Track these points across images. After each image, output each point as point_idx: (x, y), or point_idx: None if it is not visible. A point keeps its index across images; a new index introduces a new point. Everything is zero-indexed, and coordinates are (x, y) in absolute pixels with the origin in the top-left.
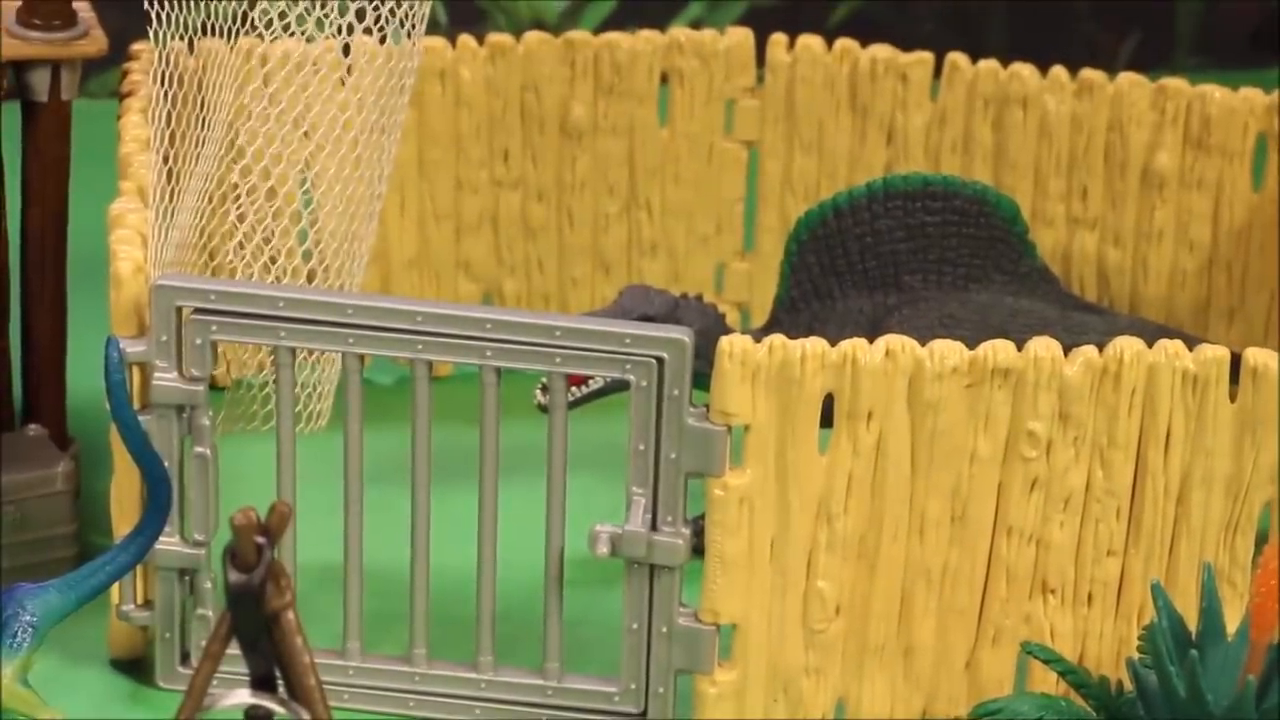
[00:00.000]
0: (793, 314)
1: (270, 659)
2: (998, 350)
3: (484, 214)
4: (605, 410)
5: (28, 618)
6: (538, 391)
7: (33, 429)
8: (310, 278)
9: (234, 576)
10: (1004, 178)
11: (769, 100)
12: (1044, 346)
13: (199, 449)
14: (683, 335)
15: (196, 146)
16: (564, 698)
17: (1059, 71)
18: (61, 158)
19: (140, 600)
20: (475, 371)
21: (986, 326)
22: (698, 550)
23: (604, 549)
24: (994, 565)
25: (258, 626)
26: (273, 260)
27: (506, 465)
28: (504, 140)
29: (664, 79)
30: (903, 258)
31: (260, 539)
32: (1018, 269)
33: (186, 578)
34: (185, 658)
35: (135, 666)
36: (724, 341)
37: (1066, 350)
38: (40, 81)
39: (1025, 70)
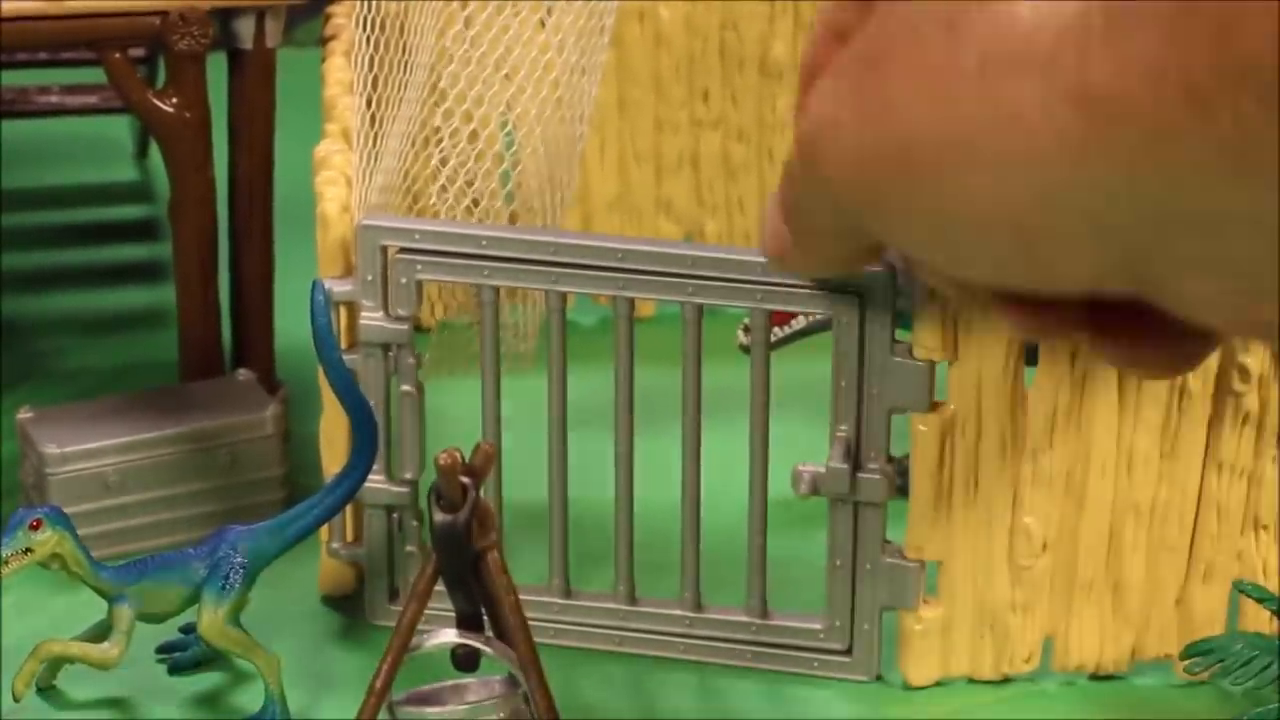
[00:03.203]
0: None
1: (476, 599)
2: None
3: (684, 154)
4: (806, 352)
5: (239, 560)
6: (740, 332)
7: (242, 374)
8: (513, 220)
9: (439, 517)
10: None
11: None
12: None
13: (405, 387)
14: (885, 270)
15: (399, 90)
16: (769, 634)
17: None
18: (267, 105)
19: (349, 538)
20: (677, 313)
21: None
22: (902, 490)
23: (805, 489)
24: (1204, 501)
25: (463, 566)
26: (475, 203)
27: (709, 406)
28: (704, 80)
29: None
30: None
31: (465, 479)
32: None
33: (395, 515)
34: (394, 594)
35: (346, 604)
36: None
37: None
38: (245, 29)
39: None
